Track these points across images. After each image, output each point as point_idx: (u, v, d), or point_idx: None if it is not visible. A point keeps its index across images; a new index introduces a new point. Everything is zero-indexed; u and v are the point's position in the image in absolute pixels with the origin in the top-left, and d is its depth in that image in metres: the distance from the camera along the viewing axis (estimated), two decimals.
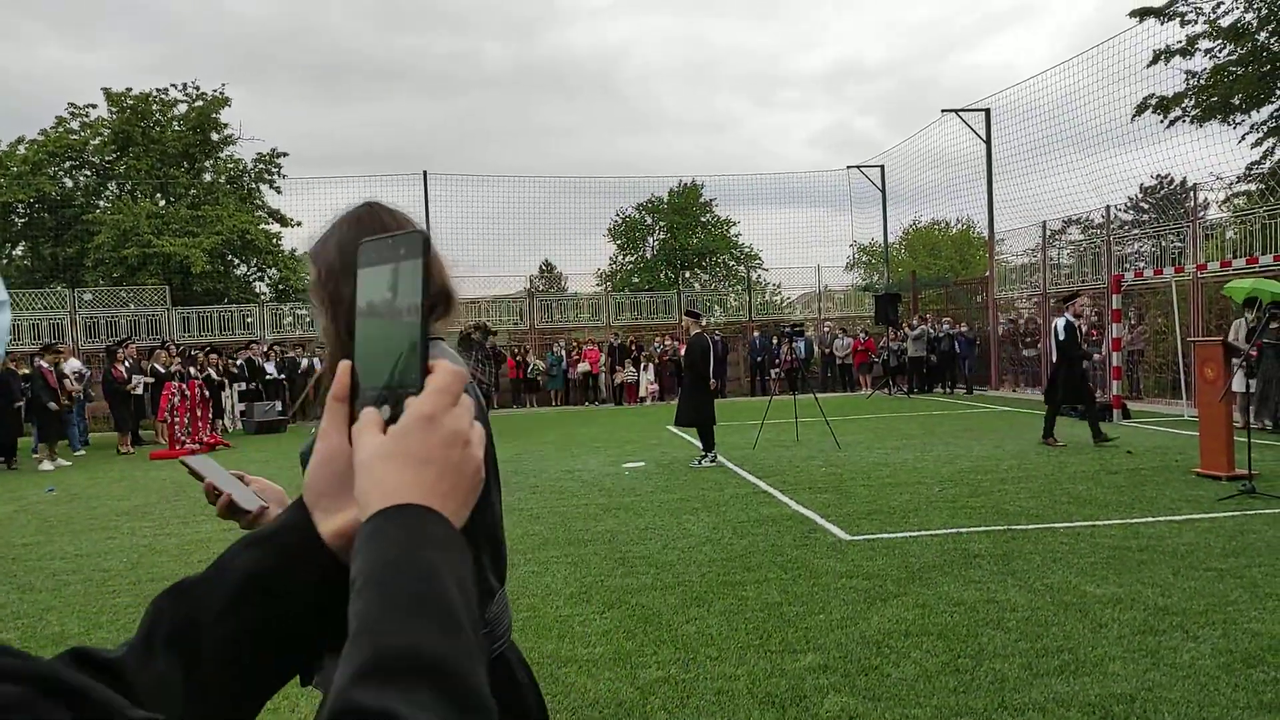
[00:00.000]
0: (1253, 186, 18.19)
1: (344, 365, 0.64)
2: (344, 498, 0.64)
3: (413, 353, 0.61)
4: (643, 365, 22.83)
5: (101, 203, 26.37)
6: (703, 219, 33.45)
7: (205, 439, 14.86)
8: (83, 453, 15.35)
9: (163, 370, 15.64)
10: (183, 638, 0.63)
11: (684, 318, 11.32)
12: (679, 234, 32.99)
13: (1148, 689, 3.58)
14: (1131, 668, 3.81)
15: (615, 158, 78.95)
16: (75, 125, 25.83)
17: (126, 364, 15.75)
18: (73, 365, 16.10)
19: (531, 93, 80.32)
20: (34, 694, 0.48)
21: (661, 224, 33.55)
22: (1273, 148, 18.43)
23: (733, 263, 33.83)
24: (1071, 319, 10.82)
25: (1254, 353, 9.24)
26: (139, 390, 15.49)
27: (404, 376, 0.62)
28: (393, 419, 0.61)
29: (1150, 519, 6.67)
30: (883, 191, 27.88)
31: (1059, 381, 10.86)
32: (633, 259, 34.00)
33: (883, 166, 27.70)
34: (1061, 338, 10.78)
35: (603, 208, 32.31)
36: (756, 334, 24.04)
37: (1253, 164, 18.52)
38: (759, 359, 23.50)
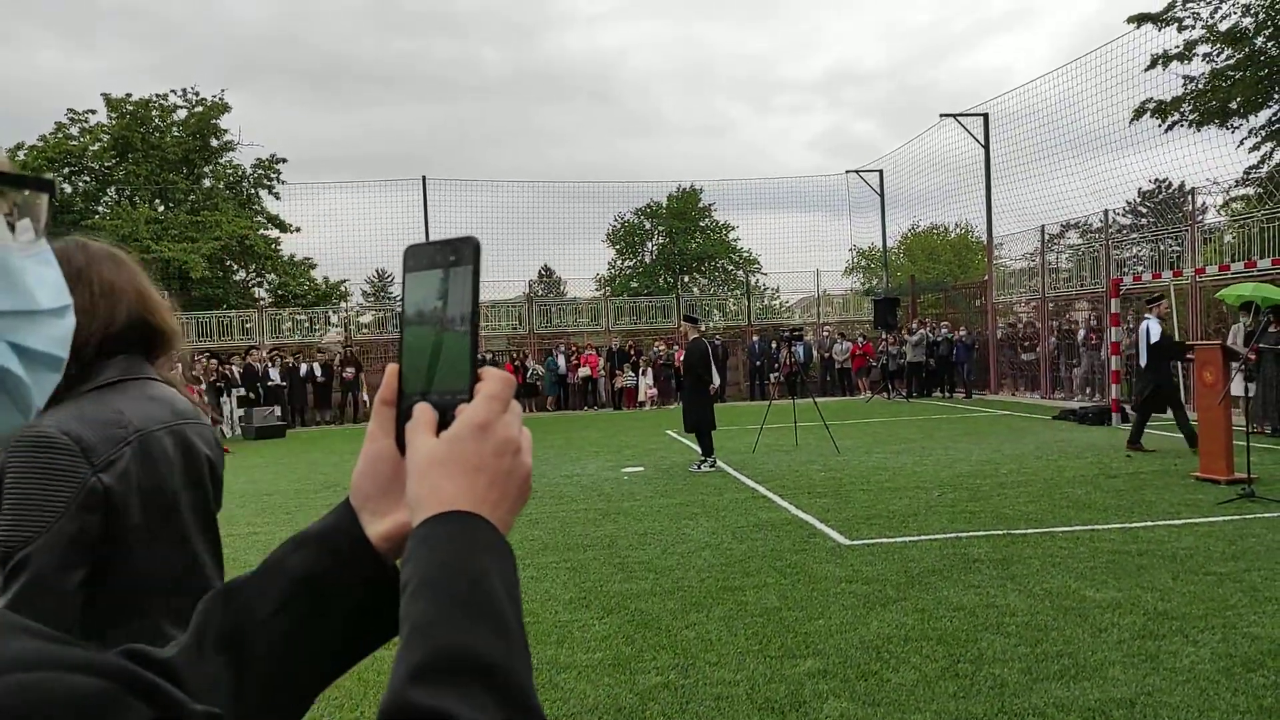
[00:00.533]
0: (1250, 190, 18.23)
1: (391, 369, 0.65)
2: (391, 500, 0.64)
3: (464, 359, 0.62)
4: (641, 370, 22.82)
5: (100, 208, 26.38)
6: (701, 223, 33.50)
7: None
8: None
9: None
10: (233, 639, 0.64)
11: (682, 323, 11.29)
12: (678, 238, 33.03)
13: (1147, 693, 3.58)
14: (1131, 672, 3.81)
15: (613, 162, 79.17)
16: (75, 131, 25.85)
17: None
18: None
19: (529, 98, 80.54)
20: (121, 689, 0.49)
21: (660, 229, 33.59)
22: (1271, 152, 18.47)
23: (731, 267, 33.87)
24: (1158, 321, 10.60)
25: (1252, 356, 9.24)
26: None
27: (454, 382, 0.62)
28: (443, 424, 0.61)
29: (1149, 523, 6.67)
30: (881, 196, 27.91)
31: (1146, 384, 10.58)
32: (632, 263, 34.04)
33: (881, 171, 27.75)
34: (1154, 339, 10.37)
35: (601, 212, 32.49)
36: (755, 338, 24.06)
37: (1250, 168, 18.57)
38: (758, 363, 23.52)
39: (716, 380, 10.85)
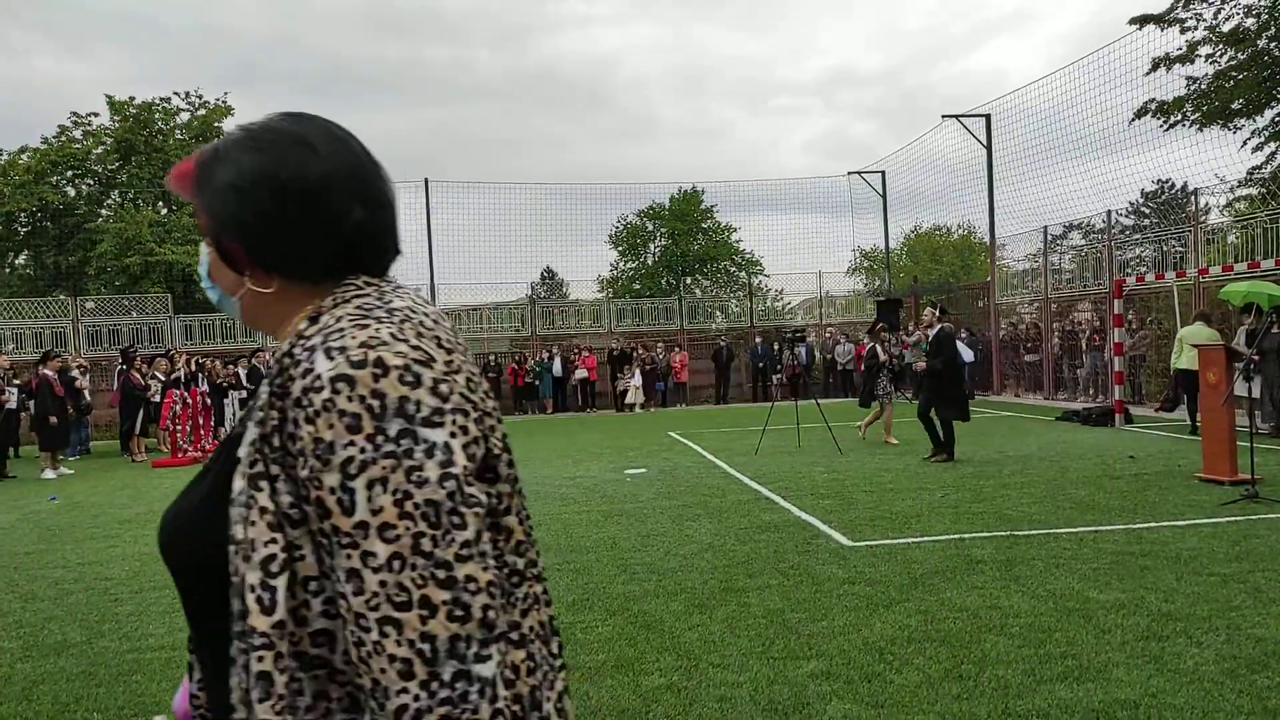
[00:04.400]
0: (1254, 191, 18.19)
1: None
2: None
3: None
4: (629, 374, 22.61)
5: (104, 211, 26.43)
6: (703, 225, 33.48)
7: (207, 446, 14.87)
8: (76, 458, 15.39)
9: (163, 379, 15.63)
10: None
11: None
12: (680, 240, 33.01)
13: (1151, 695, 3.57)
14: (1135, 673, 3.80)
15: (611, 165, 78.99)
16: (78, 134, 25.89)
17: (142, 370, 15.82)
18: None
19: (525, 100, 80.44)
20: None
21: (663, 230, 33.58)
22: (1275, 152, 18.42)
23: (734, 269, 33.85)
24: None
25: (1255, 357, 9.21)
26: (156, 397, 15.48)
27: None
28: None
29: (1153, 524, 6.66)
30: (884, 197, 27.90)
31: None
32: (634, 265, 34.03)
33: (884, 172, 27.73)
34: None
35: (604, 214, 32.44)
36: (758, 340, 24.06)
37: (1254, 168, 18.52)
38: (761, 365, 23.50)
39: None
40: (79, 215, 25.69)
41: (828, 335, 24.81)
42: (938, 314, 10.93)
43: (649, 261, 33.95)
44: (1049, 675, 3.82)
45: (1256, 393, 11.06)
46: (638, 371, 22.52)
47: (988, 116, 22.16)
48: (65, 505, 10.19)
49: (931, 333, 10.61)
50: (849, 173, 28.09)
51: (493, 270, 26.37)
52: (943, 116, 23.11)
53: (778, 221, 34.93)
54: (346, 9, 79.89)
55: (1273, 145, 18.38)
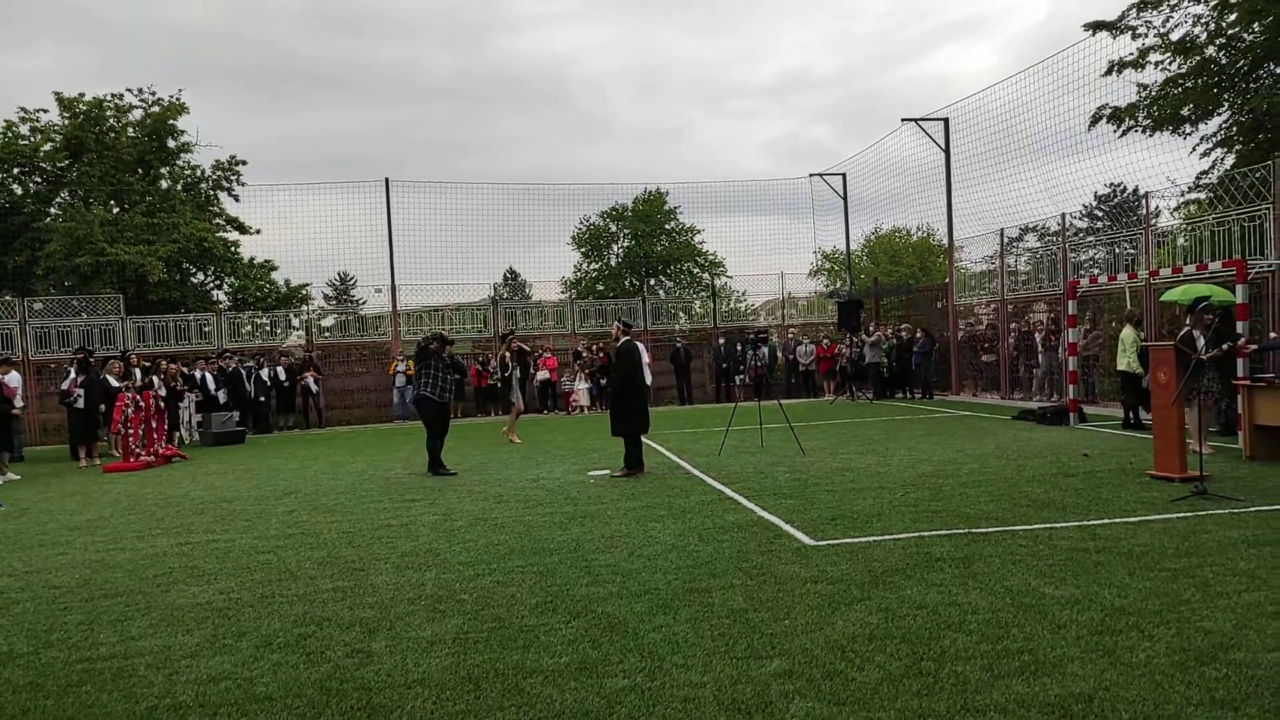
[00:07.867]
0: (1202, 195, 18.66)
1: None
2: None
3: None
4: (573, 376, 22.49)
5: (53, 210, 25.72)
6: (667, 226, 33.51)
7: (160, 451, 14.55)
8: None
9: (115, 383, 15.27)
10: None
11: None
12: (643, 241, 33.02)
13: (1105, 688, 3.64)
14: (1089, 667, 3.88)
15: (570, 165, 78.97)
16: (25, 130, 25.17)
17: (72, 375, 15.45)
18: (14, 379, 15.61)
19: (481, 100, 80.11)
20: None
21: (625, 231, 33.55)
22: (1221, 158, 18.91)
23: (697, 270, 33.93)
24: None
25: (1203, 356, 9.45)
26: (79, 404, 15.09)
27: None
28: None
29: (1106, 521, 6.79)
30: (845, 199, 28.18)
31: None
32: (597, 266, 33.95)
33: (844, 174, 28.01)
34: None
35: (566, 215, 32.36)
36: (721, 341, 24.15)
37: (1201, 173, 18.99)
38: (724, 366, 23.60)
39: None
40: (26, 214, 24.96)
41: (790, 336, 24.99)
42: (623, 328, 11.10)
43: (612, 263, 33.89)
44: (1007, 670, 3.88)
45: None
46: (580, 374, 22.38)
47: (946, 120, 22.48)
48: (12, 512, 9.89)
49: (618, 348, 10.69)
50: (811, 175, 28.35)
51: (454, 271, 26.21)
52: (902, 120, 23.43)
53: (740, 223, 35.13)
54: (293, 5, 78.81)
55: (1220, 151, 18.87)
